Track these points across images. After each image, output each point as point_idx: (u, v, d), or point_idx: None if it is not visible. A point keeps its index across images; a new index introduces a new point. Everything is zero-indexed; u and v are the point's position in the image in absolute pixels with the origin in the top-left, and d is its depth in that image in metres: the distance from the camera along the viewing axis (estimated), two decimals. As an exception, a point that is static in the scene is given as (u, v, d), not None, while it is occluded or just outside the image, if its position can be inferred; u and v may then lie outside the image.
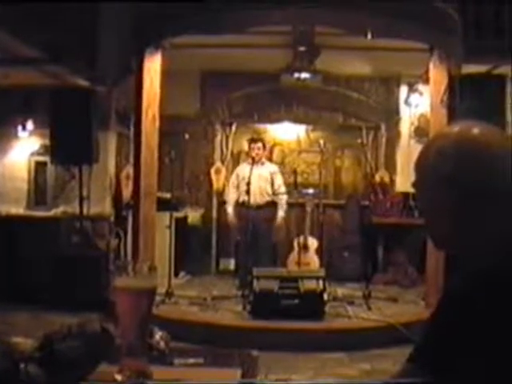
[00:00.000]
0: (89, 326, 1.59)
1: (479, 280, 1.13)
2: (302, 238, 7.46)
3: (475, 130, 1.25)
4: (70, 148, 6.19)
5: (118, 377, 1.35)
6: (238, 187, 7.10)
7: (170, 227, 6.67)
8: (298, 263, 7.25)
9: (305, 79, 7.26)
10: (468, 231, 1.23)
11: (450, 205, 1.23)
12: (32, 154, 7.80)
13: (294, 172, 7.56)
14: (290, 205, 7.54)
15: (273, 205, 7.16)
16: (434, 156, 1.26)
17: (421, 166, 1.30)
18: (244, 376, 1.48)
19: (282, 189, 7.22)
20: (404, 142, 8.54)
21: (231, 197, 7.23)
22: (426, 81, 6.75)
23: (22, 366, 1.36)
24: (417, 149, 1.20)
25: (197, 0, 5.57)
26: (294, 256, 7.44)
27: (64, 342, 1.51)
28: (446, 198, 1.23)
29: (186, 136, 7.90)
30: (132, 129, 6.69)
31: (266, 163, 7.30)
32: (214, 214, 8.68)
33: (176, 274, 7.11)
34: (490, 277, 1.13)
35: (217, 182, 8.55)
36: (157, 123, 6.10)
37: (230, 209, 7.22)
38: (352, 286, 7.12)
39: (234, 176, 7.34)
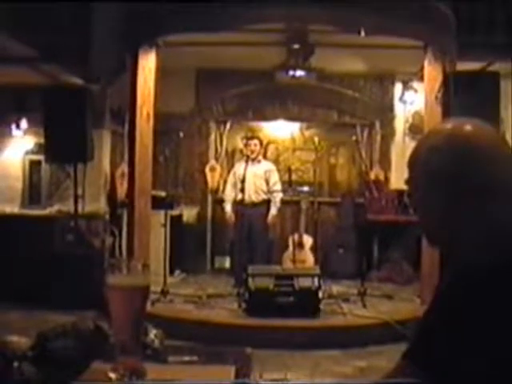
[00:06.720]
0: (83, 325, 1.59)
1: (472, 277, 1.13)
2: (296, 236, 7.47)
3: (468, 127, 1.25)
4: (64, 146, 6.17)
5: (112, 375, 1.34)
6: (235, 185, 7.09)
7: (165, 225, 6.66)
8: (293, 261, 7.26)
9: (299, 77, 7.25)
10: (460, 228, 1.23)
11: (442, 202, 1.23)
12: (26, 153, 7.79)
13: (289, 170, 7.55)
14: (284, 202, 7.54)
15: (268, 203, 7.16)
16: (427, 153, 1.26)
17: (413, 162, 1.30)
18: (238, 374, 1.48)
19: (278, 186, 7.18)
20: (399, 139, 8.55)
21: (229, 195, 7.22)
22: (421, 78, 6.76)
23: (15, 364, 1.36)
24: (411, 146, 1.21)
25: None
26: (289, 254, 7.45)
27: (58, 341, 1.51)
28: (438, 194, 1.23)
29: (181, 134, 7.88)
30: (126, 127, 6.68)
31: (262, 161, 7.27)
32: (209, 211, 8.67)
33: (171, 272, 7.11)
34: (482, 274, 1.13)
35: (211, 179, 8.54)
36: (151, 121, 6.10)
37: (228, 207, 7.20)
38: (347, 284, 7.13)
39: (231, 174, 7.33)
